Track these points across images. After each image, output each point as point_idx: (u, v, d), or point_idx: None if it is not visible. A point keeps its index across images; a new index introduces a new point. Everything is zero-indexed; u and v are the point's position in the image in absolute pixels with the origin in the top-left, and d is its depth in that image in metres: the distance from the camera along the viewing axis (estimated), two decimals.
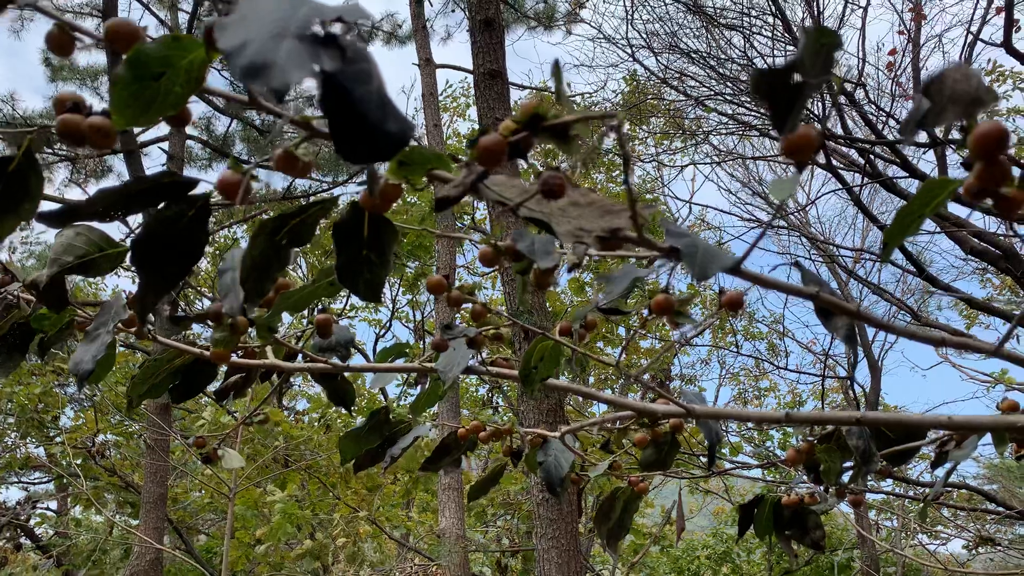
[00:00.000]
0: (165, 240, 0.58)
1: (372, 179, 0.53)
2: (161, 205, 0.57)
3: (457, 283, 0.79)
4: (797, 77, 0.43)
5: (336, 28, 0.39)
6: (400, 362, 1.04)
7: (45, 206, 0.61)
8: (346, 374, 1.07)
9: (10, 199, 0.55)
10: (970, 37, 5.29)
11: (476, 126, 9.96)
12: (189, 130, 8.44)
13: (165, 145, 8.42)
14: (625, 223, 0.52)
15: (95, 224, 0.73)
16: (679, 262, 0.55)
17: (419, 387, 1.14)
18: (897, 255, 6.33)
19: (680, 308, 0.68)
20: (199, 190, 0.57)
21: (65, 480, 9.84)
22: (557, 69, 0.45)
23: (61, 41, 0.45)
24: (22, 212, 0.56)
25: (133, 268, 0.60)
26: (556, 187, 0.46)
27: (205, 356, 0.92)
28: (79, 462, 9.23)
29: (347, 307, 11.70)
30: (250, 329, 0.93)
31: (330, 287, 0.74)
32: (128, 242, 0.78)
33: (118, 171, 10.00)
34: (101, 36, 0.44)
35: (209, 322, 0.79)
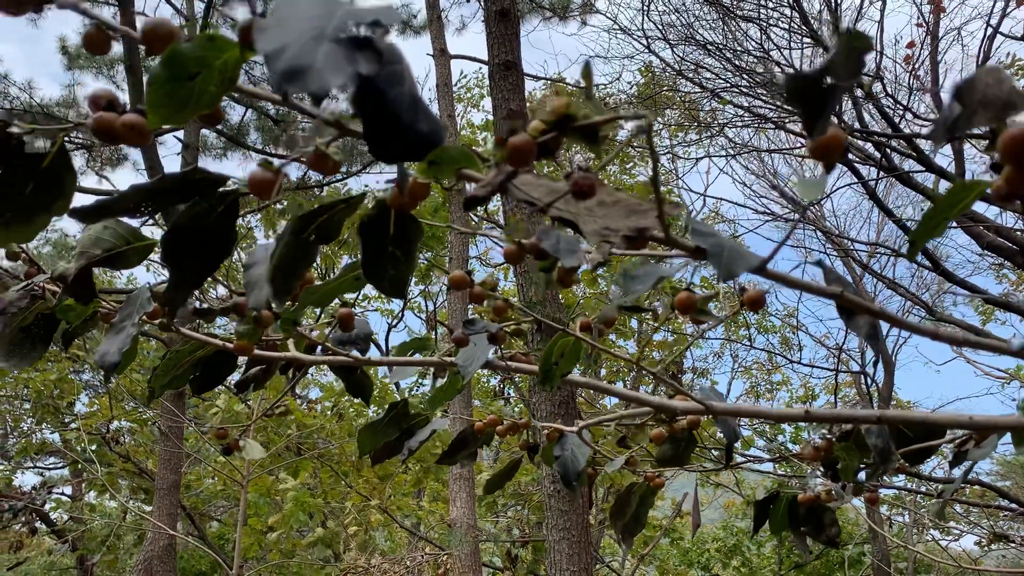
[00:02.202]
0: (194, 235, 0.59)
1: (402, 178, 0.53)
2: (191, 201, 0.58)
3: (479, 278, 0.80)
4: (828, 80, 0.43)
5: (371, 30, 0.39)
6: (419, 356, 1.04)
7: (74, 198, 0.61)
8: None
9: (43, 196, 0.56)
10: (990, 30, 5.24)
11: (490, 117, 9.95)
12: None
13: (180, 134, 8.46)
14: (652, 223, 0.52)
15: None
16: (705, 261, 0.55)
17: (431, 378, 1.14)
18: None
19: (702, 306, 0.69)
20: (228, 186, 0.58)
21: (80, 466, 9.93)
22: (587, 71, 0.45)
23: (98, 39, 0.46)
24: (54, 209, 0.57)
25: (163, 263, 0.60)
26: (587, 188, 0.46)
27: (228, 348, 0.92)
28: (94, 448, 9.33)
29: (359, 297, 11.74)
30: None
31: (354, 282, 0.74)
32: (152, 234, 0.79)
33: (133, 159, 10.05)
34: (139, 35, 0.45)
35: (233, 315, 0.79)
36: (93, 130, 0.49)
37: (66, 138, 0.56)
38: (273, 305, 0.80)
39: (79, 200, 0.61)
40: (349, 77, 0.37)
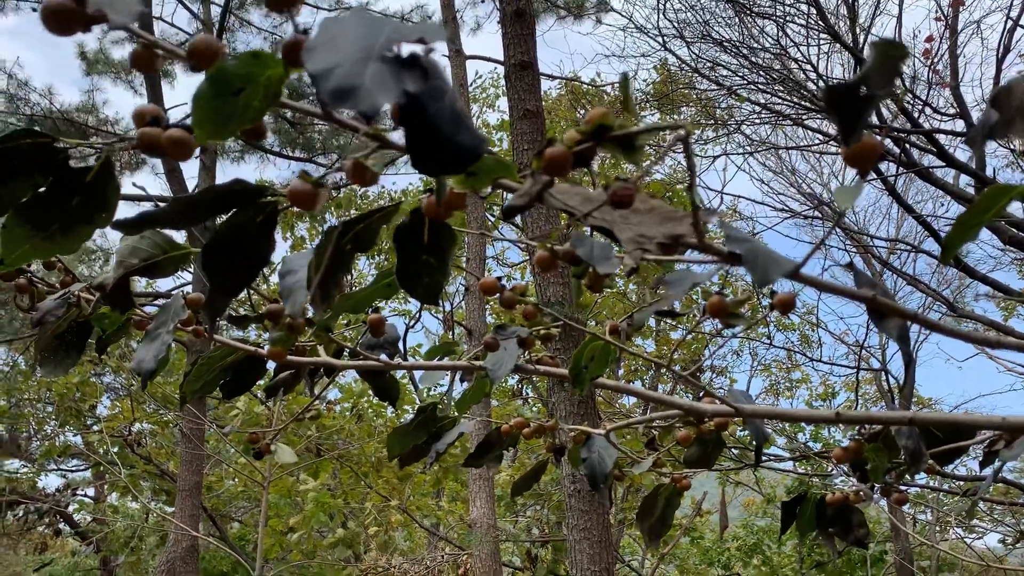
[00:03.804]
0: (234, 245, 0.60)
1: (440, 188, 0.54)
2: (231, 212, 0.59)
3: (509, 284, 0.81)
4: (864, 89, 0.44)
5: (416, 48, 0.40)
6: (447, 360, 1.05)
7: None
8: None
9: (87, 209, 0.57)
10: (1009, 23, 5.19)
11: (506, 117, 9.94)
12: None
13: None
14: (687, 230, 0.52)
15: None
16: (740, 266, 0.56)
17: (449, 378, 1.15)
18: (932, 246, 6.24)
19: (734, 310, 0.69)
20: (267, 198, 0.59)
21: (102, 468, 10.03)
22: (625, 82, 0.46)
23: (145, 58, 0.47)
24: (98, 221, 0.58)
25: (203, 272, 0.62)
26: (626, 198, 0.47)
27: (260, 354, 0.94)
28: (116, 450, 9.42)
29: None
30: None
31: (386, 289, 0.75)
32: (187, 243, 0.80)
33: (151, 164, 10.14)
34: (184, 53, 0.46)
35: (267, 322, 0.81)
36: (139, 144, 0.50)
37: (85, 143, 0.57)
38: (308, 312, 0.82)
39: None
40: (397, 96, 0.38)
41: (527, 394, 10.02)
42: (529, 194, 0.50)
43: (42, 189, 0.57)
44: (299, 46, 0.43)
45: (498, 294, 0.78)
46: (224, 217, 0.60)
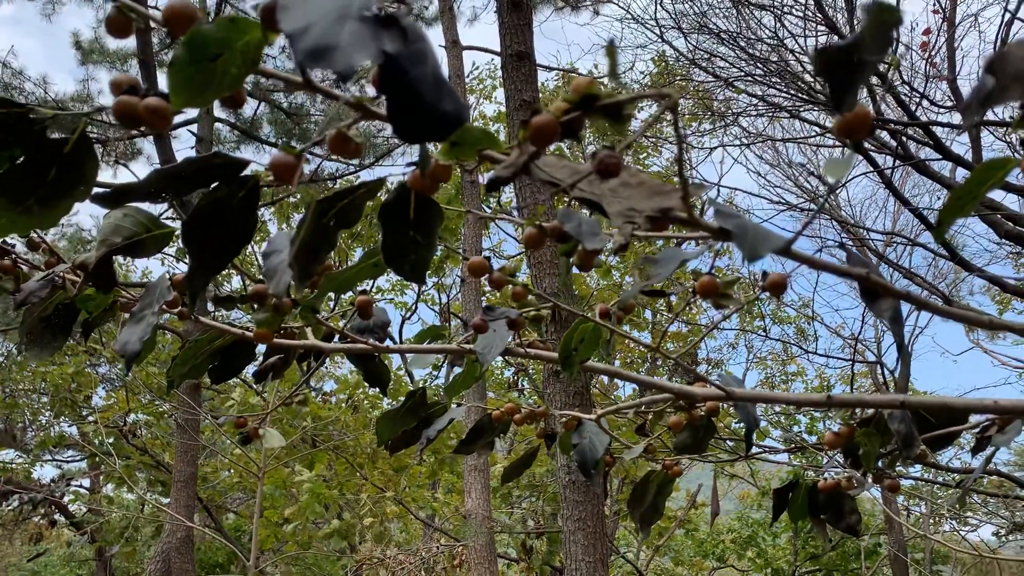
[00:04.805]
0: (215, 221, 0.59)
1: (424, 159, 0.53)
2: (212, 186, 0.58)
3: (497, 264, 0.80)
4: (857, 55, 0.43)
5: (395, 9, 0.39)
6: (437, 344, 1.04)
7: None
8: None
9: (64, 183, 0.56)
10: (1007, 16, 5.17)
11: (503, 109, 9.91)
12: (217, 112, 8.51)
13: (194, 128, 8.50)
14: (676, 203, 0.51)
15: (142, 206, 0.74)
16: (729, 242, 0.55)
17: (445, 368, 1.14)
18: (929, 239, 6.23)
19: (724, 290, 0.68)
20: (249, 171, 0.58)
21: (98, 458, 10.02)
22: (611, 49, 0.45)
23: (120, 24, 0.46)
24: (76, 195, 0.57)
25: (184, 247, 0.60)
26: (612, 166, 0.46)
27: (248, 337, 0.92)
28: (111, 441, 9.41)
29: (373, 288, 11.76)
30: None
31: (374, 268, 0.74)
32: (168, 222, 0.79)
33: (147, 153, 10.12)
34: (160, 19, 0.45)
35: (253, 303, 0.79)
36: (115, 113, 0.49)
37: (64, 112, 0.56)
38: (292, 292, 0.81)
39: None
40: (374, 55, 0.37)
41: (523, 386, 10.02)
42: (515, 165, 0.49)
43: (18, 161, 0.55)
44: (276, 8, 0.42)
45: (486, 274, 0.77)
46: (205, 191, 0.58)
